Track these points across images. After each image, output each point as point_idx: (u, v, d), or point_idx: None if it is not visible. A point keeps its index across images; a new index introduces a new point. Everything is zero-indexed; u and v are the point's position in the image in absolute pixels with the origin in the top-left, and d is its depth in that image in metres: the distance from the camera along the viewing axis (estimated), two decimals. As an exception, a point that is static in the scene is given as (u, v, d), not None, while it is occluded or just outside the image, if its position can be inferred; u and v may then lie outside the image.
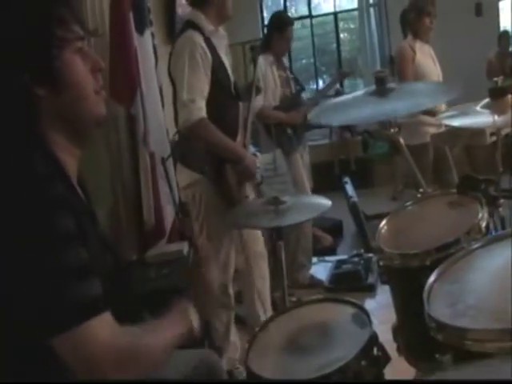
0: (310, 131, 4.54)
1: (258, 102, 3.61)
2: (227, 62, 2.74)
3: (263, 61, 3.91)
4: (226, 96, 2.66)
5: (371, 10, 7.63)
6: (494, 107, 1.80)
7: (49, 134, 1.17)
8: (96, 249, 1.18)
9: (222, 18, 2.72)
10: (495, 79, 1.88)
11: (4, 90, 1.14)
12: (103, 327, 1.06)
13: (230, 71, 2.74)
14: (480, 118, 1.84)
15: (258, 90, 3.14)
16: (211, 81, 2.56)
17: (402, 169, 5.27)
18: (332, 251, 4.82)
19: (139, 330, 1.18)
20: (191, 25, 2.64)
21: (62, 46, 1.15)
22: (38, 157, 1.13)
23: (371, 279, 3.88)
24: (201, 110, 2.50)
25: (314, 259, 4.41)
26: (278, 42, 4.05)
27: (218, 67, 2.60)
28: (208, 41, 2.60)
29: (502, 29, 7.39)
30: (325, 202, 2.06)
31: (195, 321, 1.28)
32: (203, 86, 2.52)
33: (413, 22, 3.78)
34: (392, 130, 2.14)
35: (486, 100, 1.86)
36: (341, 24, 8.48)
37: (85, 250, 1.09)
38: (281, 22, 4.11)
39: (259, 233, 2.94)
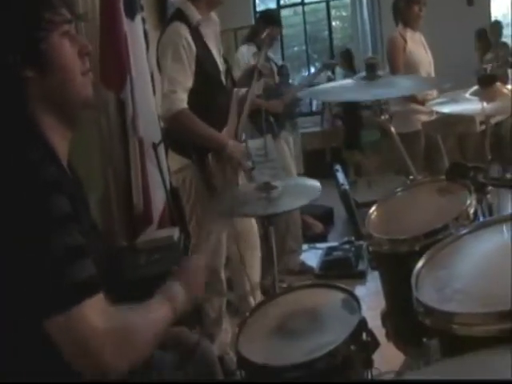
0: (294, 119, 4.59)
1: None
2: (217, 50, 2.73)
3: (247, 51, 3.97)
4: (213, 85, 2.66)
5: (363, -3, 7.62)
6: (483, 95, 1.80)
7: (38, 117, 1.18)
8: (87, 234, 1.18)
9: (213, 4, 2.70)
10: (484, 66, 1.88)
11: None
12: (96, 309, 1.06)
13: (219, 60, 2.73)
14: (469, 105, 1.84)
15: (261, 75, 3.12)
16: (197, 71, 2.56)
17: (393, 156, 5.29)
18: (323, 238, 4.85)
19: (130, 310, 1.18)
20: (179, 15, 2.63)
21: (49, 28, 1.15)
22: (28, 140, 1.13)
23: (361, 266, 3.90)
24: (182, 101, 2.51)
25: (305, 246, 4.43)
26: (263, 37, 4.09)
27: (204, 58, 2.60)
28: (194, 31, 2.59)
29: (493, 18, 7.40)
30: (315, 184, 2.06)
31: (183, 300, 1.29)
32: (185, 77, 2.53)
33: (403, 11, 3.80)
34: (383, 118, 2.15)
35: (476, 87, 1.86)
36: (333, 11, 8.48)
37: (79, 232, 1.10)
38: (270, 20, 4.16)
39: (253, 221, 2.95)
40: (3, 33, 1.12)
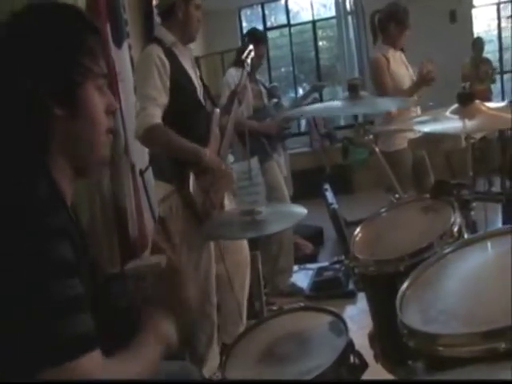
0: (285, 140, 4.60)
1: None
2: (193, 71, 2.77)
3: (235, 74, 3.99)
4: (191, 102, 2.68)
5: (349, 17, 7.71)
6: (463, 112, 1.81)
7: (53, 156, 1.16)
8: (86, 274, 1.16)
9: (187, 37, 2.74)
10: (463, 85, 1.90)
11: (20, 102, 1.12)
12: (93, 365, 1.02)
13: (195, 80, 2.75)
14: (450, 123, 1.85)
15: (242, 96, 3.13)
16: (172, 87, 2.57)
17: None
18: (313, 258, 4.83)
19: (125, 359, 1.15)
20: (153, 39, 2.70)
21: (87, 75, 1.16)
22: (41, 181, 1.10)
23: (352, 285, 3.89)
24: (152, 116, 2.50)
25: (295, 267, 4.41)
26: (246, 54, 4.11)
27: (179, 74, 2.63)
28: (168, 52, 2.63)
29: (475, 35, 7.52)
30: (300, 210, 2.06)
31: (173, 333, 1.28)
32: (158, 93, 2.53)
33: (390, 32, 3.74)
34: (367, 138, 2.16)
35: (455, 105, 1.87)
36: (319, 32, 8.58)
37: (81, 283, 1.06)
38: (254, 39, 4.18)
39: (244, 241, 2.93)
40: (42, 67, 1.12)
